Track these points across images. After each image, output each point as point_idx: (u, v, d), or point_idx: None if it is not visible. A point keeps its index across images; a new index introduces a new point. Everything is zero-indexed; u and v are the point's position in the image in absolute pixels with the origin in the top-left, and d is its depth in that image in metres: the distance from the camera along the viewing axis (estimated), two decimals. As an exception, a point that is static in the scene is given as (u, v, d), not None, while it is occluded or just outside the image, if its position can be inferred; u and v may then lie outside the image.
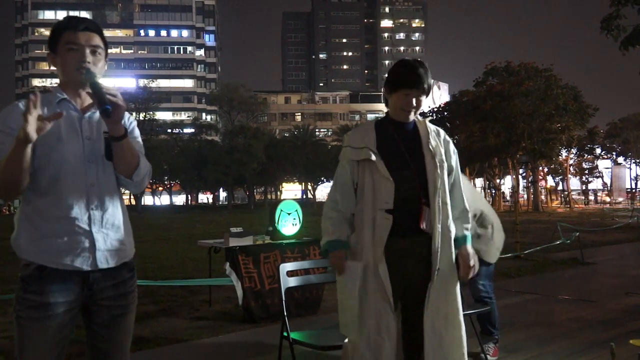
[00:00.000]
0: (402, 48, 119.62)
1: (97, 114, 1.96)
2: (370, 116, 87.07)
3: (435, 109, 47.16)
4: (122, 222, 2.01)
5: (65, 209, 1.86)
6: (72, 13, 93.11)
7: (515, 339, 4.44)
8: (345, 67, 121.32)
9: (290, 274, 2.95)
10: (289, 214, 5.54)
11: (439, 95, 79.96)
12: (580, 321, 5.14)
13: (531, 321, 5.13)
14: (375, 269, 2.34)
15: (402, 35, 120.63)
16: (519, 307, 5.78)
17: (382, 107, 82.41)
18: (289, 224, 5.54)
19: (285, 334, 2.71)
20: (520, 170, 42.06)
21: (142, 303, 6.02)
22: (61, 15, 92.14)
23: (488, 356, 3.89)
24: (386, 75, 2.58)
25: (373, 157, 2.40)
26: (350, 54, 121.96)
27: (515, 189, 36.43)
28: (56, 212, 1.86)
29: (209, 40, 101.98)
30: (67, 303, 1.88)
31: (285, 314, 2.77)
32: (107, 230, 1.93)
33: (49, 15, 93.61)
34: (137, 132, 2.12)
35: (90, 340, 2.01)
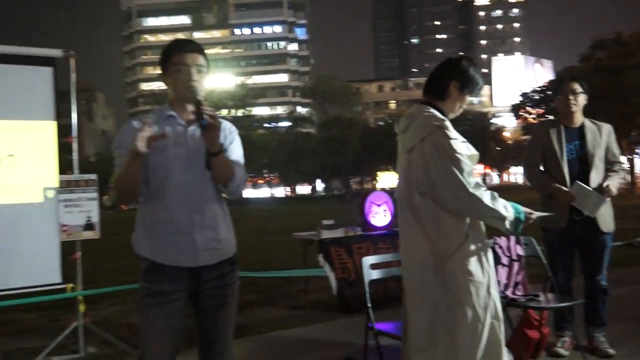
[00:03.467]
0: (499, 26, 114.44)
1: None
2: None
3: (538, 89, 44.74)
4: (221, 224, 2.23)
5: (171, 212, 2.12)
6: (172, 18, 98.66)
7: (619, 332, 4.21)
8: (439, 50, 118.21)
9: (375, 266, 3.04)
10: (378, 205, 5.61)
11: (542, 73, 75.85)
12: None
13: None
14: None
15: (499, 12, 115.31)
16: (628, 299, 5.45)
17: (479, 89, 78.84)
18: (379, 216, 5.61)
19: (370, 324, 2.81)
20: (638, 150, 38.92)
21: (243, 293, 6.31)
22: (163, 21, 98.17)
23: (561, 350, 3.77)
24: (459, 69, 2.51)
25: (475, 152, 2.44)
26: (444, 36, 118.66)
27: (630, 171, 33.77)
28: (163, 214, 2.12)
29: (301, 33, 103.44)
30: (179, 291, 2.15)
31: (369, 305, 2.86)
32: (206, 231, 2.16)
33: (152, 22, 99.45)
34: (237, 141, 2.34)
35: (199, 326, 2.27)
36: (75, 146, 4.41)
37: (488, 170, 66.83)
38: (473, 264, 2.33)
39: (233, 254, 2.28)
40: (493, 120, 64.89)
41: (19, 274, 4.02)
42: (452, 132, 2.37)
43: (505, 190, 34.07)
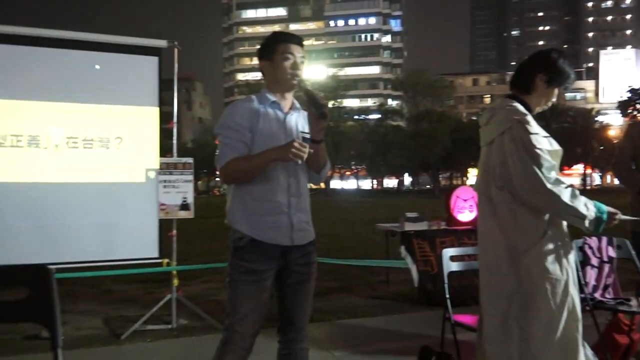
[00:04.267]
0: (609, 17, 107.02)
1: (295, 115, 2.39)
2: (568, 95, 79.64)
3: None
4: (309, 208, 2.40)
5: (272, 194, 2.28)
6: (270, 10, 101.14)
7: None
8: (540, 42, 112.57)
9: (456, 259, 3.04)
10: (465, 200, 5.53)
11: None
12: None
13: None
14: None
15: (609, 4, 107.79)
16: None
17: (583, 84, 73.94)
18: (465, 211, 5.54)
19: (447, 316, 2.82)
20: None
21: (325, 279, 6.51)
22: (261, 13, 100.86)
23: None
24: (549, 65, 2.46)
25: (558, 147, 2.41)
26: (546, 28, 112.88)
27: None
28: (264, 195, 2.28)
29: (395, 25, 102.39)
30: (270, 270, 2.29)
31: (447, 296, 2.87)
32: (299, 213, 2.33)
33: (250, 14, 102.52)
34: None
35: (280, 300, 2.41)
36: (175, 131, 4.72)
37: (589, 171, 63.01)
38: (550, 260, 2.29)
39: (314, 236, 2.43)
40: (598, 118, 61.01)
41: (122, 247, 4.39)
42: (533, 127, 2.33)
43: (606, 192, 32.01)
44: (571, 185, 2.28)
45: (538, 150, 2.26)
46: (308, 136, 2.35)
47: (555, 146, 2.38)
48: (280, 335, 2.42)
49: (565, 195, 2.22)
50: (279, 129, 2.31)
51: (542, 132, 2.36)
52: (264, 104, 2.34)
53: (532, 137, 2.29)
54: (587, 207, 2.23)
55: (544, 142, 2.33)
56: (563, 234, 2.36)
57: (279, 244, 2.27)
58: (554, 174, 2.26)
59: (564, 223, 2.37)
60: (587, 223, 2.23)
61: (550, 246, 2.30)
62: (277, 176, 2.28)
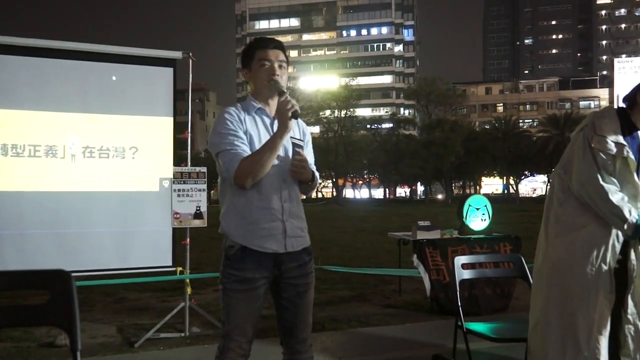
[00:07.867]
0: (623, 26, 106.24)
1: None
2: (582, 103, 79.05)
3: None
4: (302, 214, 2.39)
5: (266, 201, 2.26)
6: (283, 21, 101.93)
7: None
8: (554, 51, 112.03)
9: (467, 267, 3.04)
10: (477, 209, 5.52)
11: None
12: None
13: None
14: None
15: (623, 12, 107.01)
16: None
17: (597, 92, 73.21)
18: (477, 219, 5.53)
19: (459, 323, 2.82)
20: None
21: (338, 288, 6.52)
22: (274, 24, 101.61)
23: None
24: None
25: (632, 156, 2.47)
26: (560, 36, 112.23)
27: None
28: (259, 203, 2.25)
29: (408, 35, 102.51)
30: (262, 278, 2.27)
31: (459, 304, 2.87)
32: (292, 219, 2.30)
33: (263, 25, 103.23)
34: (310, 142, 2.50)
35: (279, 313, 2.39)
36: (189, 141, 4.78)
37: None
38: (577, 255, 2.44)
39: (309, 243, 2.40)
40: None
41: (137, 255, 4.44)
42: (604, 130, 2.45)
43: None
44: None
45: (593, 150, 2.44)
46: (298, 142, 2.36)
47: (627, 155, 2.45)
48: (284, 347, 2.40)
49: (614, 196, 2.38)
50: (266, 134, 2.29)
51: (616, 139, 2.45)
52: (249, 111, 2.32)
53: (596, 137, 2.44)
54: (631, 213, 2.37)
55: (610, 145, 2.44)
56: (607, 235, 2.45)
57: (274, 252, 2.24)
58: (605, 172, 2.42)
59: (613, 234, 2.46)
60: (626, 226, 2.38)
61: (583, 243, 2.44)
62: (271, 182, 2.25)
